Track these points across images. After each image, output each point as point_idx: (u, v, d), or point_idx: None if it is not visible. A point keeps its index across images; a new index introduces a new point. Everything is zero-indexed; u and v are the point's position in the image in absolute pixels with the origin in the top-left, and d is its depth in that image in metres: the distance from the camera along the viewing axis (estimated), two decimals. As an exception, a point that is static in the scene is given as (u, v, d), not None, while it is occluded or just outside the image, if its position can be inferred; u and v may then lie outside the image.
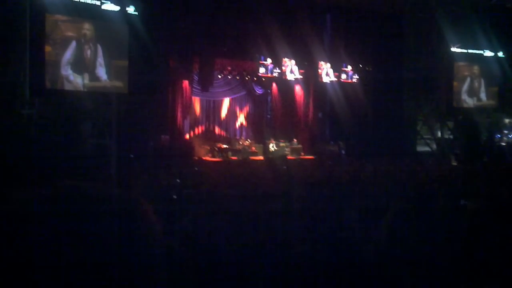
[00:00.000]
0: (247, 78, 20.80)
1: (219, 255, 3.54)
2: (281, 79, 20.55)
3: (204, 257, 3.29)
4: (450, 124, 23.29)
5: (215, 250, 3.64)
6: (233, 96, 21.81)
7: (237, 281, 3.22)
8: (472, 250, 3.08)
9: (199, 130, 20.94)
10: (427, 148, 23.01)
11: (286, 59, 19.95)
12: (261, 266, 3.32)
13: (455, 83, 22.64)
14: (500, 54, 22.79)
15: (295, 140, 20.83)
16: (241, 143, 20.05)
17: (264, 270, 3.25)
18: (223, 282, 3.11)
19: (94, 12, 14.50)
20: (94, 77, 14.72)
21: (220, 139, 20.78)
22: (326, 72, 20.87)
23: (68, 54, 14.07)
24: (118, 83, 15.15)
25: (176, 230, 4.19)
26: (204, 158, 18.12)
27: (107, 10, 14.66)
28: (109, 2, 14.63)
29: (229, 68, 19.92)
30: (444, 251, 3.27)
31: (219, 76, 20.01)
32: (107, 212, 0.86)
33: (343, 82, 21.14)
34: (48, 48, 13.69)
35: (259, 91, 21.94)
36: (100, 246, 0.83)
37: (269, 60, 19.61)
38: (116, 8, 14.77)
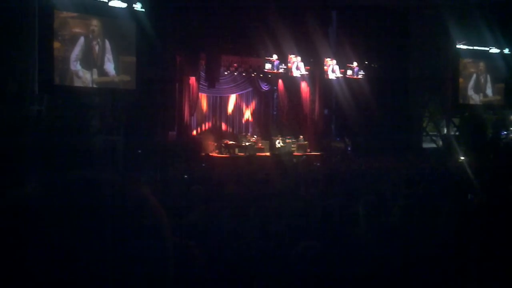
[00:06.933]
0: (253, 75, 20.83)
1: (227, 248, 3.62)
2: (287, 76, 20.57)
3: (213, 250, 3.36)
4: (456, 120, 23.25)
5: (223, 244, 3.72)
6: (239, 93, 21.85)
7: (244, 274, 3.29)
8: (478, 244, 3.15)
9: (206, 126, 21.00)
10: (433, 145, 23.00)
11: (292, 56, 19.96)
12: (268, 259, 3.39)
13: (461, 80, 22.60)
14: (506, 50, 22.74)
15: (301, 136, 20.84)
16: (247, 139, 20.09)
17: (271, 263, 3.33)
18: (230, 276, 3.18)
19: (102, 9, 14.56)
20: (102, 73, 14.81)
21: (227, 135, 20.84)
22: (332, 69, 20.88)
23: (77, 50, 14.15)
24: (126, 78, 15.23)
25: (184, 225, 4.27)
26: (211, 154, 18.17)
27: (114, 6, 14.73)
28: (117, -1, 14.73)
29: (235, 64, 19.91)
30: (451, 245, 3.34)
31: (226, 73, 20.05)
32: (115, 203, 0.88)
33: (349, 79, 21.13)
34: (57, 44, 13.76)
35: (265, 87, 21.97)
36: (108, 236, 0.84)
37: (275, 57, 19.63)
38: (123, 5, 14.84)
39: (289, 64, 20.03)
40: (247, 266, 3.39)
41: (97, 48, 14.66)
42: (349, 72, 21.16)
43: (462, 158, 16.53)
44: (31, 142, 12.02)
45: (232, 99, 21.91)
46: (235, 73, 20.55)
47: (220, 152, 18.90)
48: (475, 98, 23.08)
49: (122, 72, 15.16)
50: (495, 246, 3.15)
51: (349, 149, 20.94)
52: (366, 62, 21.47)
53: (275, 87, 22.27)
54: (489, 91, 23.39)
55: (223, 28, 17.87)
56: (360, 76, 21.30)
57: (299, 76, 20.67)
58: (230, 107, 21.90)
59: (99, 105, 14.86)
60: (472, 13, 20.18)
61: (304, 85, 21.62)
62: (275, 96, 22.83)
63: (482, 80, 23.21)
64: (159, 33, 15.38)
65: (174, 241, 0.98)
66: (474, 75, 23.01)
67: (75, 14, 14.14)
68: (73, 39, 14.19)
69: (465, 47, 22.03)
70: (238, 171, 12.11)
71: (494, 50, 22.51)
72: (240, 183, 8.57)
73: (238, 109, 22.19)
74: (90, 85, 14.55)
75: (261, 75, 20.93)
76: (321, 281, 3.00)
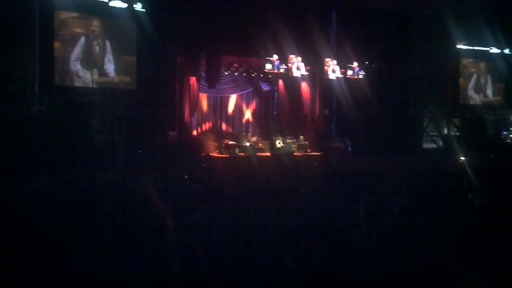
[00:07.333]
0: (253, 75, 20.83)
1: (227, 248, 3.62)
2: (288, 76, 20.58)
3: (213, 250, 3.36)
4: (456, 121, 23.25)
5: (223, 244, 3.72)
6: (239, 93, 21.85)
7: (245, 274, 3.28)
8: (478, 244, 3.14)
9: (206, 126, 21.01)
10: (433, 145, 22.99)
11: (292, 56, 19.96)
12: (268, 259, 3.39)
13: (461, 80, 22.60)
14: (507, 51, 22.74)
15: (301, 136, 20.84)
16: (248, 139, 20.10)
17: (271, 263, 3.32)
18: (230, 276, 3.17)
19: (102, 9, 14.57)
20: (102, 73, 14.83)
21: (227, 135, 20.84)
22: (332, 69, 20.87)
23: (77, 50, 14.16)
24: (126, 78, 15.25)
25: (184, 225, 4.27)
26: (211, 154, 18.18)
27: (115, 7, 14.73)
28: (117, -1, 14.75)
29: (236, 64, 19.92)
30: (452, 245, 3.33)
31: (226, 73, 20.05)
32: (116, 203, 0.88)
33: (349, 79, 21.12)
34: (57, 44, 13.77)
35: (265, 87, 21.97)
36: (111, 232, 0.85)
37: (275, 57, 19.63)
38: (124, 5, 14.84)
39: (289, 64, 20.02)
40: (248, 266, 3.39)
41: (97, 48, 14.67)
42: (350, 72, 21.15)
43: (463, 158, 16.54)
44: (32, 142, 12.01)
45: (233, 99, 21.91)
46: (236, 73, 20.56)
47: (221, 152, 18.90)
48: (475, 98, 23.08)
49: (122, 73, 15.17)
50: (496, 246, 3.14)
51: (349, 149, 20.93)
52: (367, 62, 21.46)
53: (275, 87, 22.27)
54: (489, 92, 23.40)
55: (224, 28, 17.87)
56: (360, 76, 21.29)
57: (300, 76, 20.67)
58: (231, 107, 21.91)
59: (99, 105, 14.87)
60: (473, 13, 20.17)
61: (304, 85, 21.63)
62: (275, 96, 22.84)
63: (483, 80, 23.21)
64: (159, 33, 15.39)
65: (175, 241, 0.98)
66: (475, 75, 23.02)
67: (75, 14, 14.15)
68: (74, 39, 14.19)
69: (465, 47, 22.02)
70: (238, 171, 12.11)
71: (494, 50, 22.52)
72: (240, 183, 8.57)
73: (238, 109, 22.19)
74: (91, 85, 14.56)
75: (262, 75, 20.94)
76: (321, 281, 3.00)
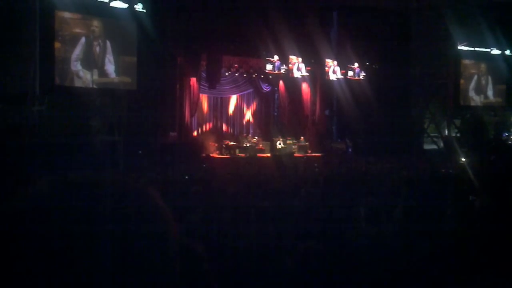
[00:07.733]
0: (254, 76, 20.83)
1: (227, 249, 3.61)
2: (288, 77, 20.56)
3: (213, 251, 3.35)
4: (457, 122, 23.24)
5: (224, 245, 3.71)
6: (240, 93, 21.84)
7: (245, 275, 3.27)
8: (479, 246, 3.13)
9: (206, 127, 20.99)
10: (434, 146, 22.98)
11: (293, 57, 19.95)
12: (268, 260, 3.38)
13: (462, 81, 22.60)
14: (508, 52, 22.73)
15: (302, 137, 20.83)
16: (248, 140, 20.09)
17: (271, 264, 3.31)
18: (230, 276, 3.16)
19: (103, 9, 14.57)
20: (103, 73, 14.82)
21: (228, 136, 20.83)
22: (333, 70, 20.87)
23: (78, 50, 14.16)
24: (126, 79, 15.25)
25: (185, 225, 4.26)
26: (211, 155, 18.17)
27: (115, 7, 14.73)
28: (118, -1, 14.76)
29: (236, 65, 19.92)
30: (452, 247, 3.32)
31: (226, 74, 20.05)
32: (117, 203, 0.88)
33: (350, 80, 21.13)
34: (57, 45, 13.76)
35: (266, 88, 21.96)
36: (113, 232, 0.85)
37: (276, 57, 19.62)
38: (125, 5, 14.84)
39: (290, 65, 20.01)
40: (248, 267, 3.38)
41: (97, 48, 14.66)
42: (350, 73, 21.15)
43: (463, 159, 16.53)
44: (32, 142, 12.02)
45: (233, 100, 21.90)
46: (236, 74, 20.56)
47: (221, 153, 18.90)
48: (476, 99, 23.08)
49: (122, 73, 15.17)
50: (497, 248, 3.12)
51: (350, 150, 20.93)
52: (367, 63, 21.47)
53: (276, 88, 22.27)
54: (490, 93, 23.40)
55: (224, 29, 17.88)
56: (361, 77, 21.29)
57: (300, 77, 20.67)
58: (231, 108, 21.90)
59: (100, 106, 14.88)
60: (473, 14, 20.18)
61: (305, 86, 21.63)
62: (276, 97, 22.83)
63: (483, 82, 23.21)
64: (160, 33, 15.39)
65: (176, 241, 0.98)
66: (475, 77, 23.01)
67: (76, 15, 14.15)
68: (74, 40, 14.18)
69: (466, 48, 22.02)
70: (238, 172, 12.11)
71: (495, 51, 22.51)
72: (240, 184, 8.56)
73: (239, 110, 22.18)
74: (91, 86, 14.56)
75: (262, 76, 20.95)
76: (321, 282, 2.99)
